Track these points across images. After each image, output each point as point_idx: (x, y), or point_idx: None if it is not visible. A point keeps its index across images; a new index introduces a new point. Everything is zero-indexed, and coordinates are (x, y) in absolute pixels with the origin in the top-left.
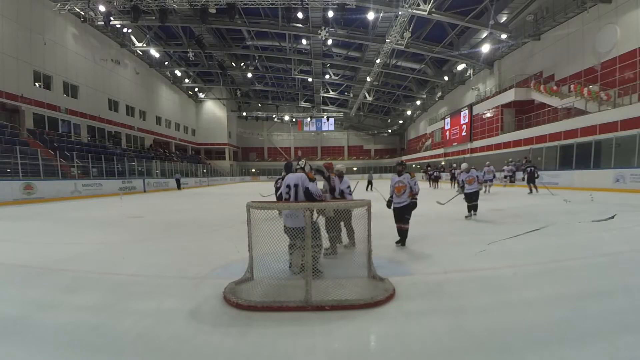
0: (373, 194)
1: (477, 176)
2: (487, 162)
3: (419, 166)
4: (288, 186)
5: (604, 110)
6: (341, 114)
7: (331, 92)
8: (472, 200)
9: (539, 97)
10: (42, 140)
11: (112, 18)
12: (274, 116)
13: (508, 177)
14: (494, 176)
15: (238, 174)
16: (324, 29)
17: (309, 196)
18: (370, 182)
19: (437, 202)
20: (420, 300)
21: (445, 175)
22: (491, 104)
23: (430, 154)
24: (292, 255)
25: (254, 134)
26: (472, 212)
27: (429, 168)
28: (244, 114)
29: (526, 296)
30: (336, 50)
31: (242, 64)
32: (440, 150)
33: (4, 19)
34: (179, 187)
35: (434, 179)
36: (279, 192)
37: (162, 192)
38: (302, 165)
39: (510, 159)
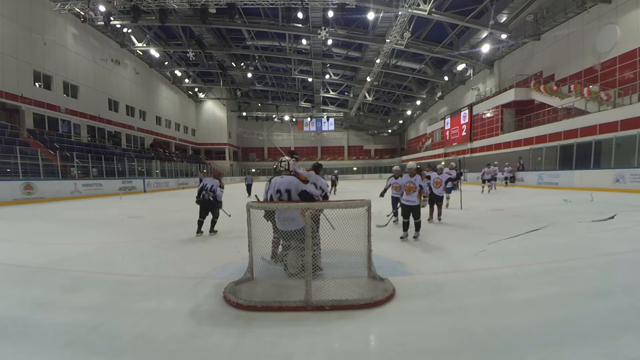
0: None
1: (420, 186)
2: (496, 162)
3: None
4: (279, 191)
5: (604, 110)
6: (341, 114)
7: (331, 92)
8: (406, 214)
9: (539, 97)
10: (42, 140)
11: (112, 18)
12: (274, 116)
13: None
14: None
15: (238, 174)
16: (324, 29)
17: (307, 199)
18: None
19: (376, 225)
20: (420, 300)
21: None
22: (491, 104)
23: (430, 154)
24: (288, 256)
25: (254, 134)
26: (415, 231)
27: (428, 167)
28: (244, 114)
29: (526, 296)
30: (336, 50)
31: (242, 64)
32: (440, 150)
33: (4, 19)
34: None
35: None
36: (267, 195)
37: (162, 192)
38: (287, 167)
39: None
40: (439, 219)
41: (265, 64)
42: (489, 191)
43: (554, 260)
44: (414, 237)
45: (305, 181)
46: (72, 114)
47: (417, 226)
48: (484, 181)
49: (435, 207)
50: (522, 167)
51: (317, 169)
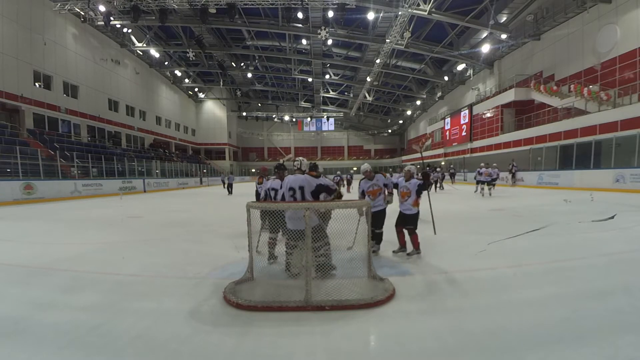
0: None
1: (385, 185)
2: (482, 164)
3: (418, 166)
4: (292, 189)
5: (604, 110)
6: (341, 114)
7: (331, 92)
8: (377, 224)
9: (539, 97)
10: (42, 140)
11: (112, 18)
12: (274, 116)
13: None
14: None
15: (238, 174)
16: (324, 29)
17: (323, 191)
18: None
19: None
20: (420, 300)
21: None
22: (491, 104)
23: (430, 154)
24: (292, 256)
25: (254, 134)
26: (376, 244)
27: (428, 168)
28: (244, 114)
29: (526, 296)
30: (336, 50)
31: (242, 64)
32: (440, 150)
33: (4, 19)
34: (225, 186)
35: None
36: (279, 194)
37: (162, 192)
38: (299, 166)
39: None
40: (416, 251)
41: (265, 64)
42: (490, 193)
43: (554, 260)
44: (374, 252)
45: (317, 176)
46: (72, 114)
47: (378, 238)
48: (478, 182)
49: (406, 233)
50: (515, 168)
51: (313, 169)
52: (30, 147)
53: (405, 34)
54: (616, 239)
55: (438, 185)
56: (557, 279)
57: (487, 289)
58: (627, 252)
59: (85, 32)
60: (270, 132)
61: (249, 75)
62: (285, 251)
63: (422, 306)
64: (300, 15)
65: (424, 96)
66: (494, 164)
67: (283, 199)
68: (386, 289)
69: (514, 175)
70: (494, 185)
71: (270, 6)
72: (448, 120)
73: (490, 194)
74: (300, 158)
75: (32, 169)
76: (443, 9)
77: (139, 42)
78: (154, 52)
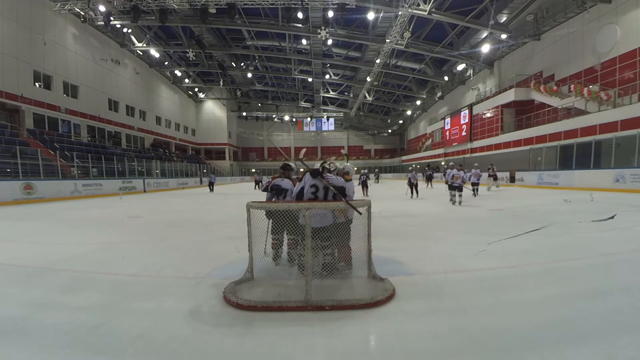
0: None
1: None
2: (451, 164)
3: (418, 166)
4: (315, 186)
5: (604, 110)
6: (341, 114)
7: (331, 92)
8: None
9: (539, 97)
10: (42, 140)
11: (112, 18)
12: (274, 116)
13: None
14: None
15: (238, 174)
16: (324, 29)
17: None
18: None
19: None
20: (420, 300)
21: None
22: (491, 104)
23: (430, 154)
24: (307, 256)
25: (254, 134)
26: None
27: (427, 167)
28: (244, 114)
29: (526, 296)
30: (336, 50)
31: (242, 64)
32: (440, 150)
33: (4, 19)
34: (257, 186)
35: (428, 178)
36: (296, 191)
37: (162, 192)
38: (327, 165)
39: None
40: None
41: (265, 64)
42: (459, 202)
43: (554, 260)
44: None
45: (348, 180)
46: (72, 114)
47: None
48: (452, 188)
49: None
50: (494, 174)
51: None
52: (30, 147)
53: (405, 34)
54: (616, 239)
55: (415, 188)
56: (557, 279)
57: (487, 289)
58: (627, 252)
59: (85, 32)
60: (270, 132)
61: (249, 75)
62: (289, 251)
63: (422, 306)
64: (300, 15)
65: (424, 96)
66: (476, 164)
67: (300, 196)
68: (386, 289)
69: (495, 178)
70: (475, 189)
71: (270, 6)
72: (448, 120)
73: (459, 203)
74: (334, 159)
75: (32, 169)
76: (443, 9)
77: (139, 42)
78: (154, 52)
